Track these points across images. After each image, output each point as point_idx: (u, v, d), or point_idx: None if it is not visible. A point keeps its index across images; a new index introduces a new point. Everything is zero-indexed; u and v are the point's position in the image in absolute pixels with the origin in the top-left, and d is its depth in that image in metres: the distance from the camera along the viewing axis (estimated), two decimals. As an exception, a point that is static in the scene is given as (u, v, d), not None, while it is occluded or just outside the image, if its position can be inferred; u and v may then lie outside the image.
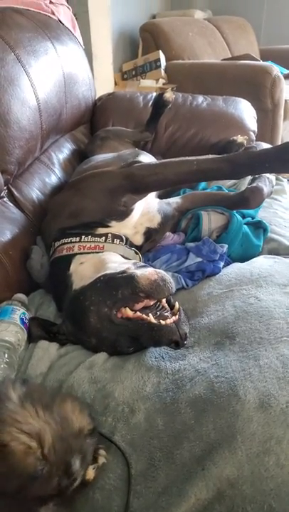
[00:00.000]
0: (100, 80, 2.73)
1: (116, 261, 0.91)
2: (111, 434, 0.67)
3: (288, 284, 0.89)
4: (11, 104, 1.06)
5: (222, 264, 1.02)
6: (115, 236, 0.99)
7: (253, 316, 0.81)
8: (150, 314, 0.77)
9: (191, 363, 0.75)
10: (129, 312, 0.78)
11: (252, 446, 0.60)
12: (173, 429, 0.66)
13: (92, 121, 1.73)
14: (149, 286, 0.76)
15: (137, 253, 1.01)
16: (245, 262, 1.02)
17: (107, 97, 1.75)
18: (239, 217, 1.09)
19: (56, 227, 1.01)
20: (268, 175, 1.17)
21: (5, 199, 1.12)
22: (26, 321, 0.89)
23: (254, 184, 1.08)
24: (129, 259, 0.96)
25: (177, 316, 0.78)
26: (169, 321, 0.76)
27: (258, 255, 1.07)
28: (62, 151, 1.49)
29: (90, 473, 0.62)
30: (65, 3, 1.61)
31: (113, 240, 0.98)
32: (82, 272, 0.91)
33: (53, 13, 1.47)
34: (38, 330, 0.89)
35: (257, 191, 1.08)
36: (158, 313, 0.79)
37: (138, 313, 0.78)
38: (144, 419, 0.68)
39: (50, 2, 1.48)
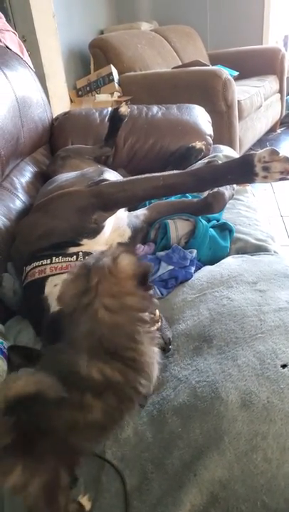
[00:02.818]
0: (56, 99, 2.75)
1: None
2: (102, 452, 0.68)
3: (257, 281, 0.92)
4: None
5: (193, 269, 1.04)
6: (87, 254, 1.00)
7: (227, 317, 0.83)
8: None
9: (173, 373, 0.76)
10: None
11: (239, 445, 0.62)
12: (162, 439, 0.67)
13: (50, 141, 1.74)
14: None
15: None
16: (215, 264, 1.05)
17: (63, 117, 1.76)
18: (204, 222, 1.11)
19: (26, 250, 1.00)
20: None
21: None
22: (5, 350, 0.88)
23: (215, 189, 1.11)
24: None
25: (159, 323, 0.79)
26: (152, 328, 0.77)
27: (227, 256, 1.10)
28: (24, 174, 1.49)
29: (86, 504, 0.62)
30: (11, 29, 1.62)
31: (85, 258, 0.99)
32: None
33: (-1, 40, 1.48)
34: (17, 358, 0.88)
35: (219, 196, 1.11)
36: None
37: None
38: (133, 433, 0.69)
39: (-5, 29, 1.49)
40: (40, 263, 0.97)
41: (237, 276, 0.95)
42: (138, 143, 1.68)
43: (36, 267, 0.97)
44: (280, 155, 0.90)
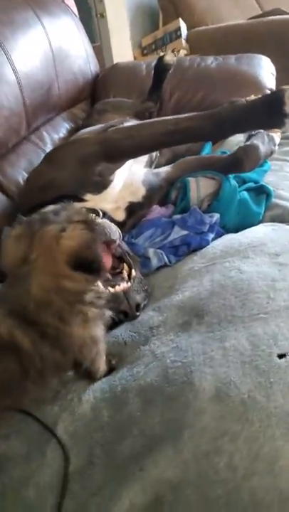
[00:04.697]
0: (119, 57, 2.63)
1: None
2: (54, 424, 0.60)
3: (280, 253, 0.76)
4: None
5: (211, 236, 0.90)
6: (90, 210, 0.91)
7: (229, 291, 0.69)
8: (99, 282, 0.69)
9: (152, 348, 0.66)
10: None
11: (201, 443, 0.50)
12: (118, 421, 0.57)
13: (93, 97, 1.64)
14: None
15: (116, 230, 0.92)
16: (240, 232, 0.89)
17: (108, 69, 1.65)
18: (233, 182, 0.95)
19: (28, 203, 0.94)
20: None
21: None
22: None
23: (248, 142, 0.93)
24: None
25: (128, 284, 0.69)
26: (118, 287, 0.68)
27: (258, 224, 0.94)
28: (59, 130, 1.42)
29: None
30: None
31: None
32: None
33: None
34: None
35: (251, 150, 0.93)
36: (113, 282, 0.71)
37: None
38: (90, 409, 0.60)
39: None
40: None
41: (258, 246, 0.79)
42: (186, 97, 1.52)
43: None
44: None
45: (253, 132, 1.00)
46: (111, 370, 0.66)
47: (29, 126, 1.24)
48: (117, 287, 0.69)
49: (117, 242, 0.76)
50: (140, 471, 0.50)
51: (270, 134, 1.01)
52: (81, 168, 0.89)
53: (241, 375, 0.54)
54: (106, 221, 0.78)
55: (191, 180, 0.96)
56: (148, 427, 0.54)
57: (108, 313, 0.64)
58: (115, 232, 0.76)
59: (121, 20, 2.74)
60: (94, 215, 0.68)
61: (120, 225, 0.96)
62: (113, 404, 0.59)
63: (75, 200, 0.92)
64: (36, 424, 0.61)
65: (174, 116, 0.85)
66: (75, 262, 0.55)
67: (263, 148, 0.96)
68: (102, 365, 0.63)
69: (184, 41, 2.63)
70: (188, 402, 0.54)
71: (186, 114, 0.84)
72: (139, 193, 0.99)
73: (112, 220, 0.94)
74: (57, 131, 1.41)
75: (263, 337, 0.58)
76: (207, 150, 1.21)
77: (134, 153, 0.89)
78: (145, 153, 0.89)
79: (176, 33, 2.63)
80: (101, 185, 0.91)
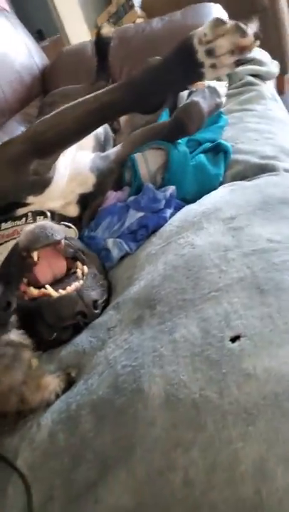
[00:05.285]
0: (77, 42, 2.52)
1: None
2: (14, 456, 0.55)
3: (236, 216, 0.67)
4: None
5: (170, 211, 0.82)
6: (37, 214, 0.84)
7: (181, 272, 0.61)
8: (48, 286, 0.65)
9: (107, 352, 0.59)
10: (32, 290, 0.66)
11: (153, 459, 0.43)
12: (72, 445, 0.51)
13: (45, 91, 1.56)
14: (25, 240, 0.66)
15: (69, 227, 0.85)
16: (197, 201, 0.80)
17: (55, 58, 1.57)
18: (182, 148, 0.86)
19: None
20: (209, 83, 0.90)
21: None
22: None
23: (187, 101, 0.83)
24: None
25: (80, 282, 0.65)
26: (69, 288, 0.64)
27: (220, 186, 0.84)
28: (14, 134, 1.35)
29: None
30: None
31: (35, 219, 0.83)
32: None
33: None
34: None
35: (191, 109, 0.83)
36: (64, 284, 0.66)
37: (42, 290, 0.66)
38: (47, 434, 0.54)
39: None
40: (-12, 232, 0.85)
41: (212, 213, 0.70)
42: (135, 68, 1.41)
43: (-13, 236, 0.85)
44: (226, 25, 0.60)
45: (192, 89, 0.90)
46: (70, 384, 0.60)
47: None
48: (68, 288, 0.65)
49: (62, 242, 0.70)
50: (95, 503, 0.44)
51: (211, 85, 0.91)
52: (14, 172, 0.82)
53: (191, 371, 0.47)
54: (46, 223, 0.72)
55: (138, 156, 0.87)
56: (101, 448, 0.48)
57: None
58: (58, 232, 0.71)
59: (72, 5, 2.62)
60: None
61: (75, 220, 0.89)
62: (68, 426, 0.53)
63: (19, 206, 0.86)
64: (-3, 460, 0.56)
65: (94, 94, 0.76)
66: None
67: (204, 104, 0.86)
68: (37, 396, 0.57)
69: (138, 10, 2.49)
70: (137, 413, 0.47)
71: (106, 88, 0.76)
72: (89, 182, 0.91)
73: (63, 218, 0.88)
74: (12, 136, 1.34)
75: (215, 319, 0.50)
76: (164, 118, 1.11)
77: (63, 142, 0.81)
78: (76, 140, 0.81)
79: (129, 3, 2.49)
80: (41, 185, 0.84)
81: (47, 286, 0.65)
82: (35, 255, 0.66)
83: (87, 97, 0.77)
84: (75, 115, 0.77)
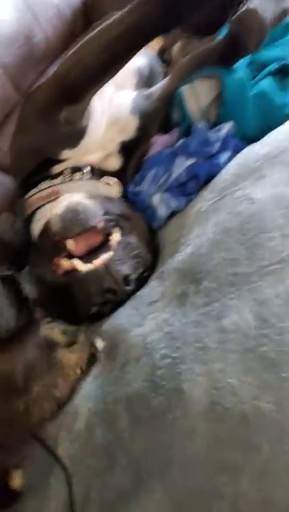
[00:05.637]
0: None
1: None
2: (55, 444, 0.51)
3: (309, 158, 0.51)
4: None
5: (226, 156, 0.67)
6: (74, 170, 0.75)
7: (234, 237, 0.48)
8: (77, 259, 0.59)
9: (144, 332, 0.50)
10: (63, 263, 0.61)
11: (193, 481, 0.35)
12: (109, 444, 0.45)
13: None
14: (57, 227, 0.61)
15: (109, 184, 0.75)
16: (261, 140, 0.64)
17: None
18: (239, 74, 0.68)
19: (18, 176, 0.82)
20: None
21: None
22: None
23: (243, 9, 0.63)
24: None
25: (110, 253, 0.58)
26: (96, 262, 0.58)
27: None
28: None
29: (17, 480, 0.49)
30: None
31: (72, 177, 0.75)
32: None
33: None
34: None
35: (248, 19, 0.63)
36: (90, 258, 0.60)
37: (71, 262, 0.60)
38: (84, 426, 0.49)
39: None
40: (28, 194, 0.79)
41: (277, 155, 0.55)
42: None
43: (27, 198, 0.79)
44: None
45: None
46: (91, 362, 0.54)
47: (18, 89, 1.09)
48: (94, 262, 0.57)
49: (98, 225, 0.62)
50: (127, 518, 0.38)
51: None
52: (43, 123, 0.72)
53: (241, 371, 0.36)
54: (79, 204, 0.66)
55: (185, 90, 0.72)
56: (135, 454, 0.41)
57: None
58: (94, 214, 0.63)
59: None
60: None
61: (119, 173, 0.79)
62: (104, 420, 0.47)
63: (54, 163, 0.77)
64: (39, 446, 0.53)
65: (117, 15, 0.61)
66: None
67: (266, 10, 0.64)
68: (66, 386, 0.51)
69: None
70: (175, 420, 0.38)
71: (128, 7, 0.60)
72: (131, 127, 0.78)
73: (104, 172, 0.78)
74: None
75: (274, 303, 0.38)
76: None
77: (91, 81, 0.67)
78: (108, 77, 0.67)
79: None
80: (75, 135, 0.74)
81: (75, 259, 0.58)
82: (69, 243, 0.60)
83: (109, 21, 0.62)
84: (100, 46, 0.63)
